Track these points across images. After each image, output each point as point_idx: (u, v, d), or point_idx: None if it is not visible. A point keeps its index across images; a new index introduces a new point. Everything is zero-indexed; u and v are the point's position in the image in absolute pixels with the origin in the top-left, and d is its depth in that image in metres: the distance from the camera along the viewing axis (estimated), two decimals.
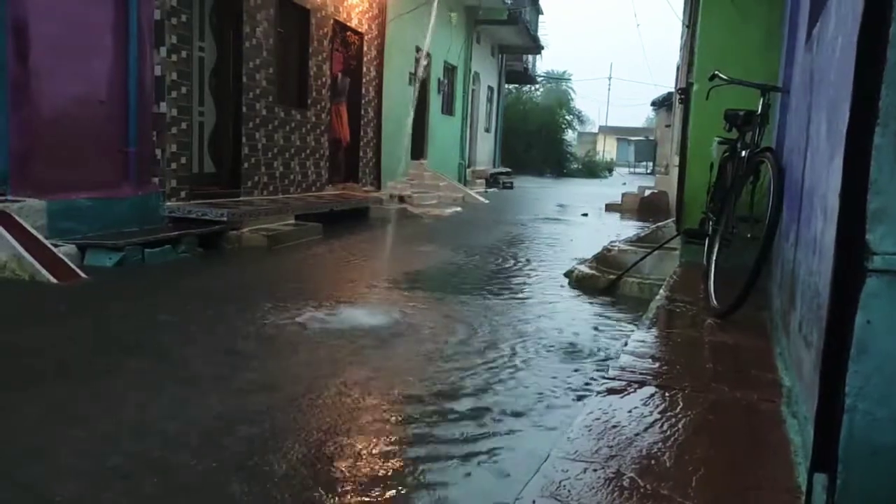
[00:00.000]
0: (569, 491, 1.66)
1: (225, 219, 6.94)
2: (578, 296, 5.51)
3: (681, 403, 2.29)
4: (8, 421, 2.65)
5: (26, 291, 4.72)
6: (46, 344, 3.66)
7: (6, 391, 2.95)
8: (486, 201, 15.06)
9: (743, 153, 3.75)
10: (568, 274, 6.18)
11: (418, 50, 14.30)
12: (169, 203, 7.06)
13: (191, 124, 7.55)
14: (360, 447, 2.53)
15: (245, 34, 8.37)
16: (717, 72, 3.84)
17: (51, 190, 5.78)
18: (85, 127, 6.20)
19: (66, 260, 5.18)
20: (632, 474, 1.77)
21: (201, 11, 7.83)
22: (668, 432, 2.04)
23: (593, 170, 35.92)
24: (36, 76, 5.70)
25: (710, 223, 4.15)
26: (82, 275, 5.13)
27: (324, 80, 10.55)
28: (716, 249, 3.80)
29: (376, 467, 2.38)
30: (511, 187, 20.46)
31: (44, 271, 4.89)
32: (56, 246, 5.30)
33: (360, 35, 11.78)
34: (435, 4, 7.99)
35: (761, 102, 3.69)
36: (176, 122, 7.21)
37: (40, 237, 5.24)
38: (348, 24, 11.25)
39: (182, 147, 7.34)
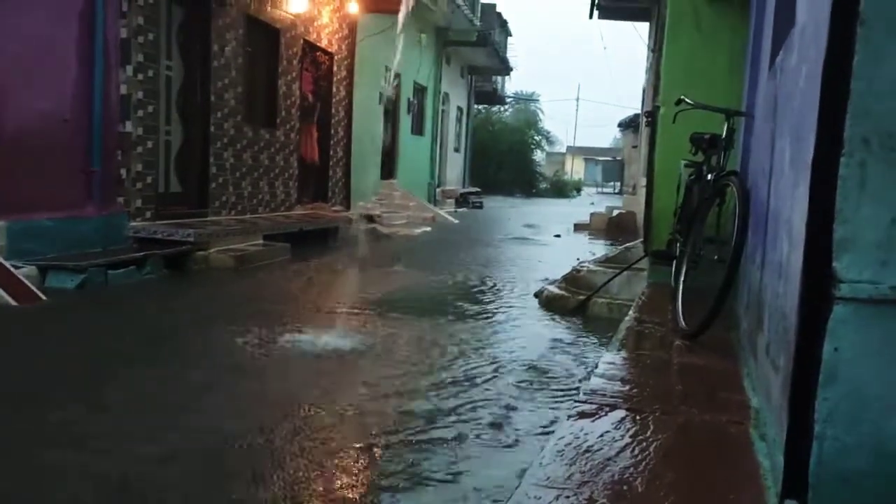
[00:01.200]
0: None
1: (191, 239, 6.83)
2: (548, 316, 5.52)
3: (651, 427, 2.29)
4: None
5: None
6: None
7: None
8: (456, 221, 15.10)
9: (709, 176, 3.81)
10: (538, 294, 6.19)
11: (388, 70, 14.34)
12: (134, 223, 6.93)
13: (157, 143, 7.45)
14: (321, 473, 2.48)
15: (213, 53, 8.32)
16: (683, 97, 3.91)
17: (11, 210, 5.64)
18: (48, 145, 6.08)
19: (26, 282, 5.05)
20: (604, 500, 1.76)
21: (168, 30, 7.76)
22: (640, 456, 2.04)
23: (562, 189, 36.25)
24: None
25: (678, 245, 4.20)
26: (42, 297, 5.00)
27: (293, 99, 10.51)
28: (683, 271, 3.84)
29: (337, 492, 2.34)
30: (481, 207, 20.55)
31: (2, 293, 4.76)
32: (16, 267, 5.17)
33: (330, 55, 11.78)
34: (402, 18, 8.00)
35: (726, 126, 3.76)
36: (142, 142, 7.11)
37: None
38: (318, 44, 11.25)
39: (148, 166, 7.23)
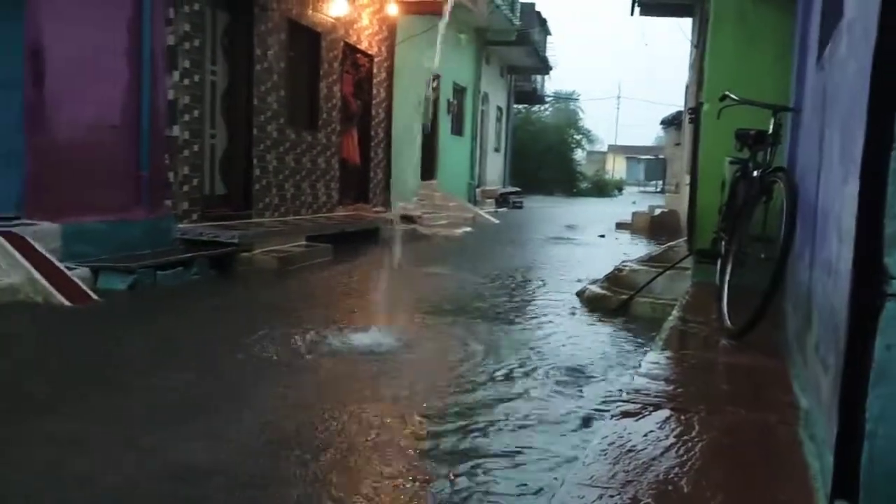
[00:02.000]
0: None
1: (236, 241, 6.97)
2: (590, 316, 5.48)
3: (697, 427, 2.26)
4: (22, 448, 2.66)
5: (40, 314, 4.75)
6: (59, 367, 3.67)
7: (27, 413, 2.96)
8: (496, 221, 15.07)
9: (755, 173, 3.74)
10: (580, 294, 6.16)
11: (428, 71, 14.40)
12: (181, 225, 7.10)
13: (202, 147, 7.62)
14: (369, 467, 2.51)
15: (256, 57, 8.46)
16: (727, 92, 3.84)
17: (65, 213, 5.83)
18: (98, 151, 6.26)
19: (80, 283, 5.21)
20: (649, 500, 1.74)
21: (213, 35, 7.93)
22: (685, 456, 2.02)
23: (603, 189, 35.91)
24: (51, 100, 5.78)
25: (723, 243, 4.13)
26: (95, 297, 5.16)
27: (334, 102, 10.63)
28: (729, 269, 3.77)
29: (384, 487, 2.36)
30: (521, 207, 20.48)
31: (57, 294, 4.92)
32: (69, 269, 5.33)
33: (370, 57, 11.89)
34: (443, 26, 8.02)
35: (773, 122, 3.68)
36: (188, 145, 7.27)
37: (54, 260, 5.27)
38: (358, 46, 11.36)
39: (194, 170, 7.39)
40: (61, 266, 5.27)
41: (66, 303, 4.90)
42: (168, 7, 6.85)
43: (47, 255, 5.25)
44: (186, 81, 7.18)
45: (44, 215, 5.72)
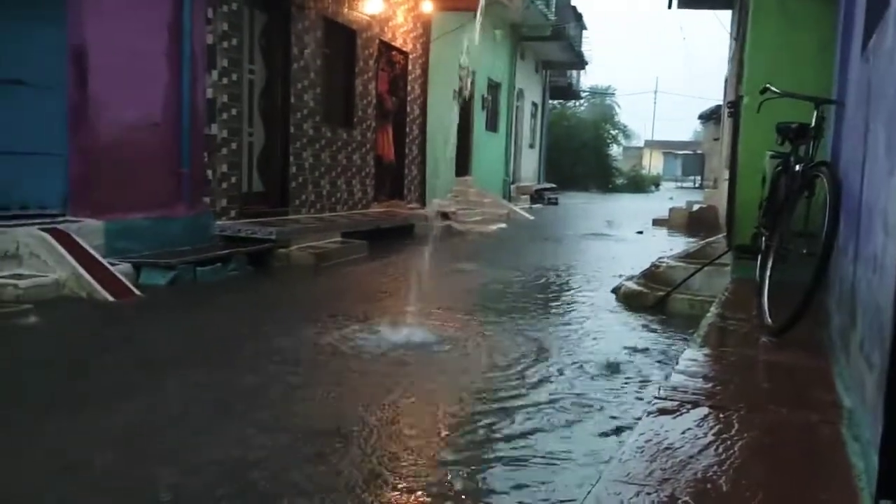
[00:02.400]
0: None
1: (273, 237, 7.05)
2: (626, 313, 5.43)
3: (736, 425, 2.23)
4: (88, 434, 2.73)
5: (85, 309, 4.87)
6: (108, 361, 3.76)
7: (81, 405, 3.04)
8: (531, 217, 15.01)
9: (797, 167, 3.67)
10: (615, 290, 6.10)
11: (462, 68, 14.38)
12: (219, 222, 7.21)
13: (240, 145, 7.72)
14: (409, 461, 2.53)
15: (293, 56, 8.55)
16: (768, 85, 3.77)
17: (108, 210, 5.96)
18: (140, 149, 6.39)
19: (123, 278, 5.33)
20: (687, 498, 1.72)
21: (251, 34, 8.02)
22: (724, 455, 1.99)
23: (639, 184, 35.50)
24: (95, 101, 5.91)
25: (764, 239, 4.05)
26: (137, 293, 5.27)
27: (369, 99, 10.68)
28: (769, 265, 3.70)
29: (423, 476, 2.37)
30: (556, 203, 20.35)
31: (101, 289, 5.04)
32: (112, 265, 5.45)
33: (405, 54, 11.91)
34: (478, 23, 8.02)
35: (815, 115, 3.60)
36: (226, 143, 7.38)
37: (98, 256, 5.40)
38: (393, 43, 11.39)
39: (232, 167, 7.50)
40: (105, 262, 5.39)
41: (110, 298, 5.01)
42: (207, 7, 6.96)
43: (91, 252, 5.38)
44: (225, 80, 7.28)
45: (88, 212, 5.86)
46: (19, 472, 2.41)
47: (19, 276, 4.98)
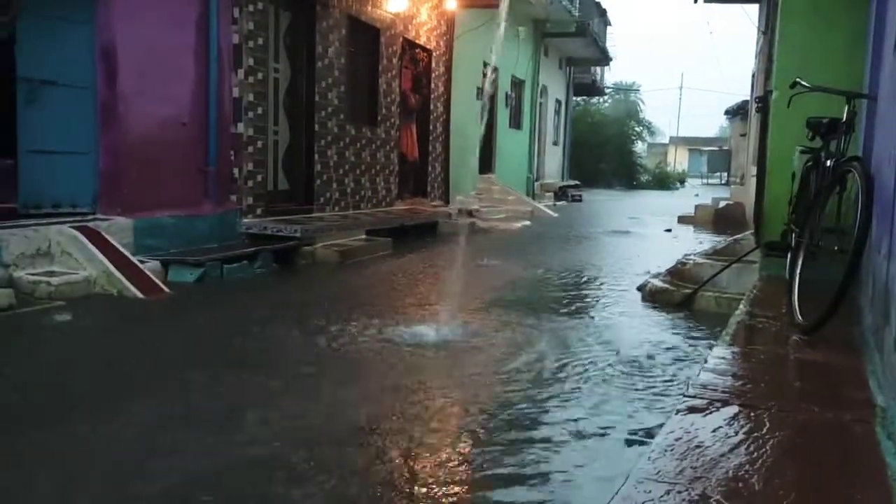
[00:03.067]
0: None
1: (298, 235, 7.10)
2: (652, 310, 5.39)
3: (767, 424, 2.20)
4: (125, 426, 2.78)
5: (116, 306, 4.94)
6: (142, 357, 3.81)
7: (124, 397, 3.09)
8: (555, 215, 14.94)
9: (828, 163, 3.61)
10: (641, 288, 6.06)
11: (486, 65, 14.35)
12: (246, 220, 7.28)
13: (266, 143, 7.78)
14: (435, 454, 2.54)
15: (318, 54, 8.59)
16: (798, 79, 3.71)
17: (137, 208, 6.05)
18: (169, 148, 6.47)
19: (151, 275, 5.40)
20: (718, 497, 1.71)
21: (276, 33, 8.08)
22: (756, 454, 1.97)
23: (664, 181, 35.17)
24: (124, 100, 5.99)
25: (793, 235, 4.00)
26: (166, 290, 5.34)
27: (393, 97, 10.70)
28: (800, 262, 3.65)
29: (445, 477, 2.38)
30: (580, 200, 20.24)
31: (131, 286, 5.11)
32: (142, 262, 5.53)
33: (428, 52, 11.92)
34: (503, 20, 8.02)
35: (846, 110, 3.55)
36: (252, 142, 7.44)
37: (127, 254, 5.47)
38: (417, 41, 11.40)
39: (258, 165, 7.56)
40: (134, 259, 5.47)
41: (140, 295, 5.08)
42: (233, 7, 7.02)
43: (121, 249, 5.46)
44: (251, 79, 7.34)
45: (117, 211, 5.94)
46: (51, 471, 2.46)
47: (52, 274, 5.07)
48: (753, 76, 13.76)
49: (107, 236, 5.49)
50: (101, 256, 5.22)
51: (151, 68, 6.24)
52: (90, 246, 5.27)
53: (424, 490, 2.33)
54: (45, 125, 5.71)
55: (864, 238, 2.99)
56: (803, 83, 3.69)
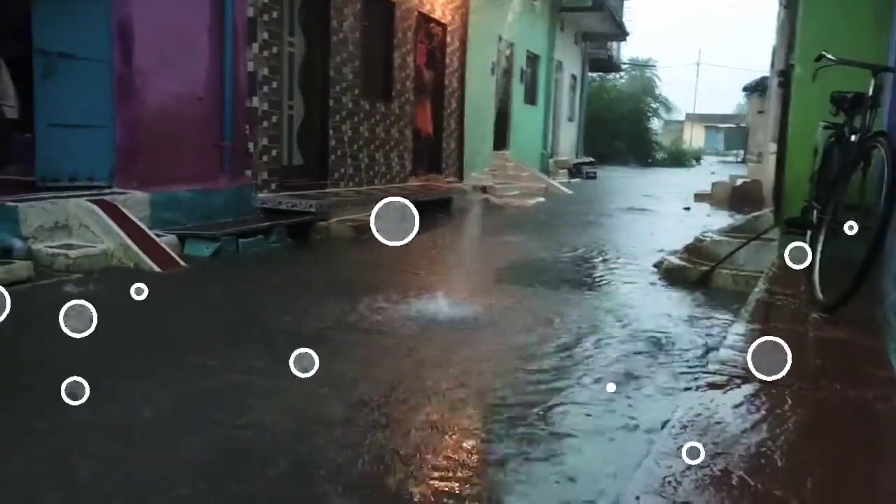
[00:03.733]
0: (674, 488, 1.62)
1: (313, 210, 7.10)
2: (669, 287, 5.36)
3: (789, 401, 2.19)
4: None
5: (133, 279, 4.94)
6: (160, 331, 3.85)
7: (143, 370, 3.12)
8: (570, 192, 14.85)
9: (852, 138, 3.55)
10: (657, 265, 6.02)
11: (501, 40, 14.20)
12: (261, 195, 7.28)
13: (281, 118, 7.76)
14: (452, 434, 2.54)
15: (332, 28, 8.52)
16: (824, 52, 3.64)
17: (153, 182, 6.06)
18: (185, 122, 6.47)
19: (168, 249, 5.42)
20: (741, 473, 1.70)
21: (291, 7, 8.02)
22: (778, 430, 1.96)
23: (680, 159, 34.86)
24: (140, 75, 5.98)
25: (815, 212, 3.95)
26: (182, 263, 5.36)
27: (408, 72, 10.62)
28: (821, 240, 3.61)
29: (462, 453, 2.39)
30: (594, 177, 20.10)
31: (148, 260, 5.14)
32: (158, 236, 5.55)
33: (443, 26, 11.80)
34: None
35: (872, 84, 3.47)
36: (267, 116, 7.42)
37: (144, 227, 5.50)
38: (432, 15, 11.29)
39: (273, 140, 7.55)
40: (151, 233, 5.49)
41: (157, 268, 5.11)
42: None
43: (138, 223, 5.48)
44: (265, 53, 7.30)
45: (134, 184, 5.96)
46: (70, 439, 2.49)
47: (69, 247, 5.10)
48: (774, 51, 13.53)
49: (124, 210, 5.51)
50: (118, 230, 5.25)
51: (167, 42, 6.22)
52: (107, 219, 5.29)
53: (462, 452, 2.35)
54: (63, 99, 5.72)
55: (889, 215, 2.94)
56: (829, 56, 3.61)
